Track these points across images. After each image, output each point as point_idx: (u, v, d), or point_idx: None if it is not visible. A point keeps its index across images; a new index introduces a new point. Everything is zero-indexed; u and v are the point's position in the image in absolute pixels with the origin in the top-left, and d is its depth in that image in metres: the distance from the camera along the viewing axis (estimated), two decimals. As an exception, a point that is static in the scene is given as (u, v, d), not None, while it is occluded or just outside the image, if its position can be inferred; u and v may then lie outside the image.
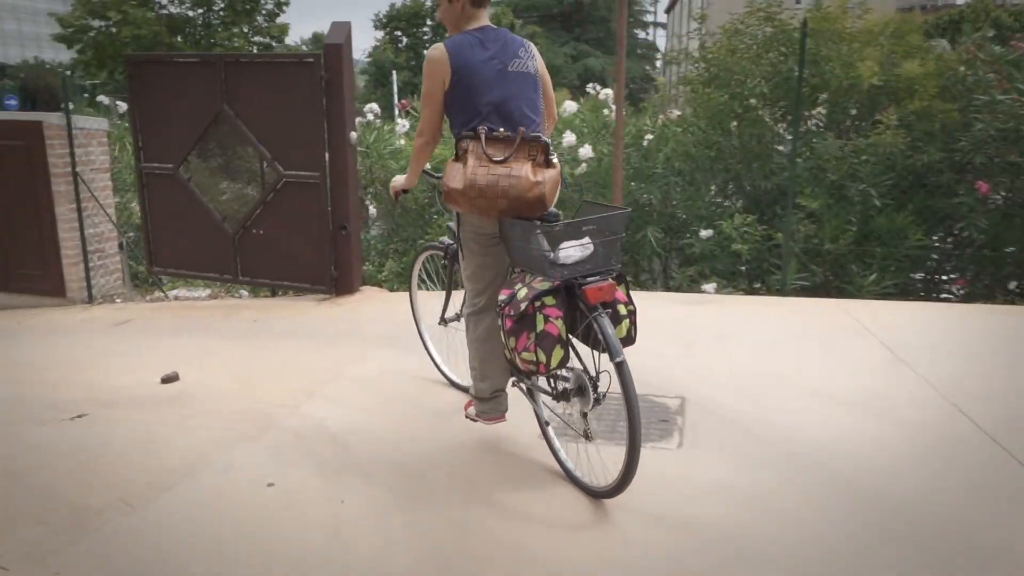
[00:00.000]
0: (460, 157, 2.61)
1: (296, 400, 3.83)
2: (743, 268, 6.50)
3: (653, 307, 5.27)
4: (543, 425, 2.94)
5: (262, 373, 4.33)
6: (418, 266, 3.89)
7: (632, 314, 2.62)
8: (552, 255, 2.45)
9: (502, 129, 2.58)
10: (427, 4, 37.63)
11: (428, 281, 4.03)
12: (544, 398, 2.87)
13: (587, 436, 2.64)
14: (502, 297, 2.61)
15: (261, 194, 6.05)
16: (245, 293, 7.02)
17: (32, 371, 4.72)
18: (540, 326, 2.45)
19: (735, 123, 6.80)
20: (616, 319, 2.54)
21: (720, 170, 6.89)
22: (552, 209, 2.64)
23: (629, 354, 2.47)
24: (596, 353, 2.56)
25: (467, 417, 3.18)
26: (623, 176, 6.17)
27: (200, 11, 26.62)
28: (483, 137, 2.57)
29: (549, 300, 2.47)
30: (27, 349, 5.35)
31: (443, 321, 3.68)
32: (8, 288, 7.00)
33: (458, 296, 3.35)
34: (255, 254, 6.13)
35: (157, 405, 3.93)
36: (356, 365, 4.35)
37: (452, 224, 3.05)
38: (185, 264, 6.42)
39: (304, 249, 5.95)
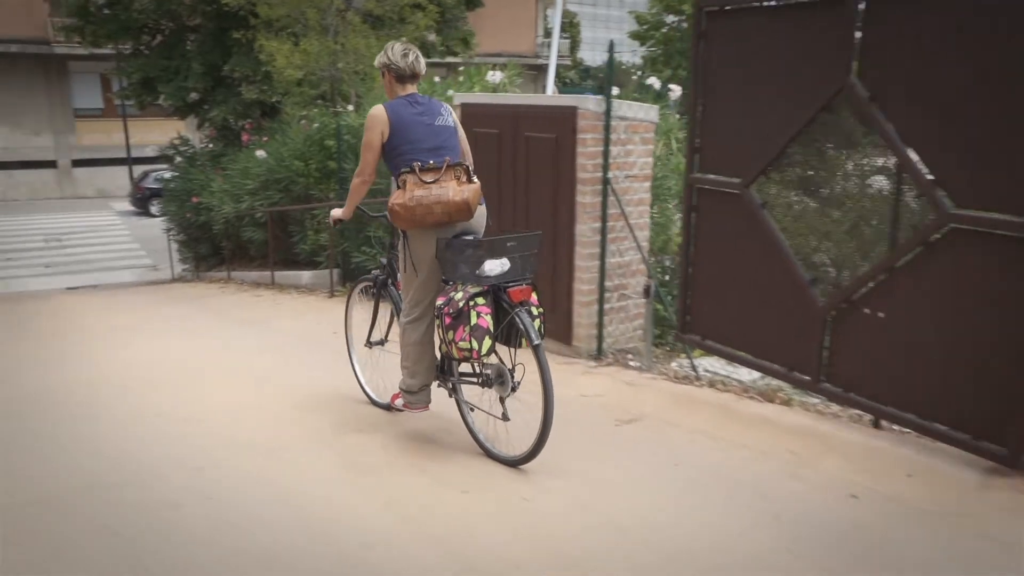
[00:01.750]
0: (401, 186, 3.30)
1: None
2: None
3: None
4: (465, 414, 3.50)
5: None
6: (354, 296, 4.26)
7: (542, 315, 3.23)
8: (478, 269, 3.12)
9: (432, 161, 3.31)
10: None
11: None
12: (466, 394, 3.48)
13: (504, 417, 3.21)
14: (440, 302, 3.28)
15: (895, 248, 3.28)
16: (815, 401, 4.31)
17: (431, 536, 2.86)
18: (474, 320, 3.11)
19: None
20: (533, 317, 3.16)
21: None
22: (477, 236, 3.37)
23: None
24: (512, 349, 3.22)
25: (393, 408, 3.88)
26: None
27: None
28: (417, 168, 3.28)
29: (480, 300, 3.15)
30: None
31: (369, 344, 4.07)
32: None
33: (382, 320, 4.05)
34: (862, 352, 3.38)
35: None
36: None
37: (383, 258, 4.13)
38: (731, 337, 4.03)
39: (968, 363, 2.99)
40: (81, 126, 26.71)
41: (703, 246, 4.14)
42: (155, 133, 28.24)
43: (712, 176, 4.01)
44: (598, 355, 4.95)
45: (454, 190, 3.22)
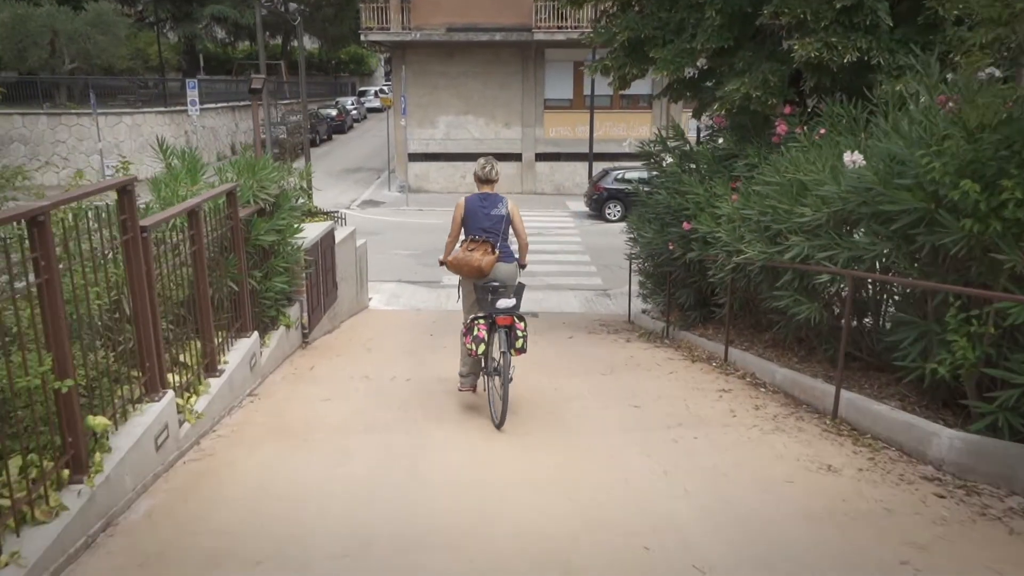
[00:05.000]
0: (460, 248, 5.33)
1: None
2: None
3: None
4: (489, 393, 5.15)
5: None
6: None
7: (525, 337, 4.97)
8: (495, 302, 4.98)
9: (478, 237, 5.23)
10: None
11: None
12: (492, 379, 5.13)
13: (502, 399, 4.83)
14: (464, 321, 5.38)
15: None
16: None
17: None
18: (476, 332, 4.99)
19: None
20: (516, 338, 4.91)
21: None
22: (506, 282, 5.25)
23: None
24: (507, 356, 4.88)
25: (459, 389, 5.58)
26: None
27: None
28: (468, 240, 5.28)
29: (481, 321, 5.03)
30: None
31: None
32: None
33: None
34: None
35: None
36: None
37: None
38: None
39: None
40: (549, 118, 25.37)
41: None
42: (620, 127, 25.78)
43: None
44: None
45: (475, 258, 5.12)
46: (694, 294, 8.12)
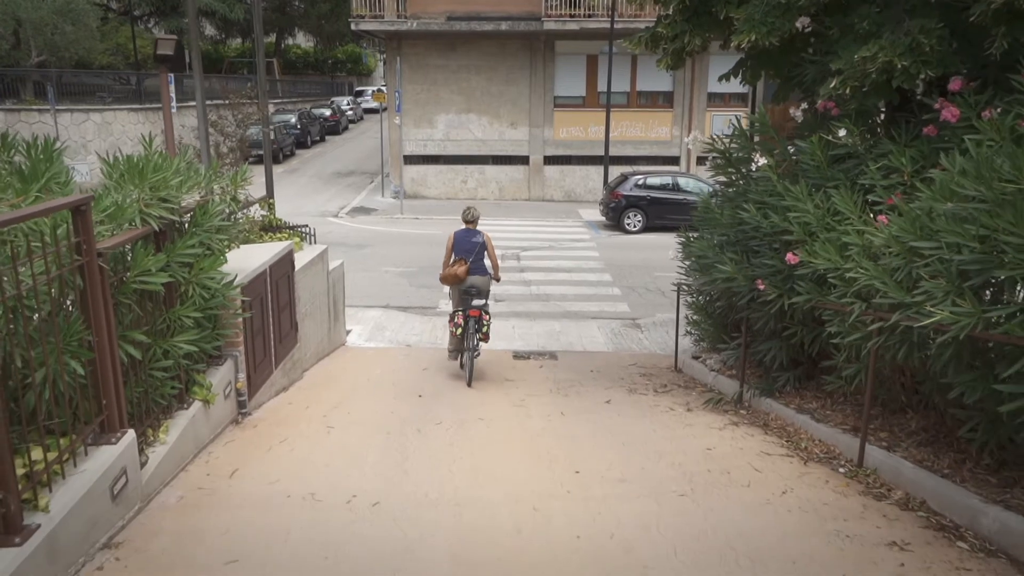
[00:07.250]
0: (450, 266, 7.61)
1: None
2: None
3: None
4: (466, 363, 7.38)
5: None
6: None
7: (488, 324, 7.43)
8: (471, 301, 7.39)
9: (460, 258, 7.51)
10: None
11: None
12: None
13: (471, 367, 7.27)
14: (450, 311, 7.79)
15: None
16: None
17: None
18: (456, 320, 7.45)
19: None
20: (482, 325, 7.35)
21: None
22: (480, 288, 7.52)
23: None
24: (476, 336, 7.35)
25: (448, 360, 7.87)
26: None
27: None
28: (454, 259, 7.56)
29: (460, 312, 7.45)
30: None
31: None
32: None
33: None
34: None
35: None
36: None
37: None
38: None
39: None
40: (559, 117, 23.03)
41: None
42: (637, 127, 23.41)
43: None
44: None
45: (454, 270, 7.37)
46: (787, 350, 5.78)
